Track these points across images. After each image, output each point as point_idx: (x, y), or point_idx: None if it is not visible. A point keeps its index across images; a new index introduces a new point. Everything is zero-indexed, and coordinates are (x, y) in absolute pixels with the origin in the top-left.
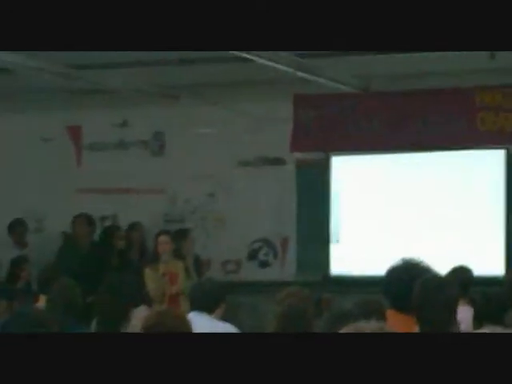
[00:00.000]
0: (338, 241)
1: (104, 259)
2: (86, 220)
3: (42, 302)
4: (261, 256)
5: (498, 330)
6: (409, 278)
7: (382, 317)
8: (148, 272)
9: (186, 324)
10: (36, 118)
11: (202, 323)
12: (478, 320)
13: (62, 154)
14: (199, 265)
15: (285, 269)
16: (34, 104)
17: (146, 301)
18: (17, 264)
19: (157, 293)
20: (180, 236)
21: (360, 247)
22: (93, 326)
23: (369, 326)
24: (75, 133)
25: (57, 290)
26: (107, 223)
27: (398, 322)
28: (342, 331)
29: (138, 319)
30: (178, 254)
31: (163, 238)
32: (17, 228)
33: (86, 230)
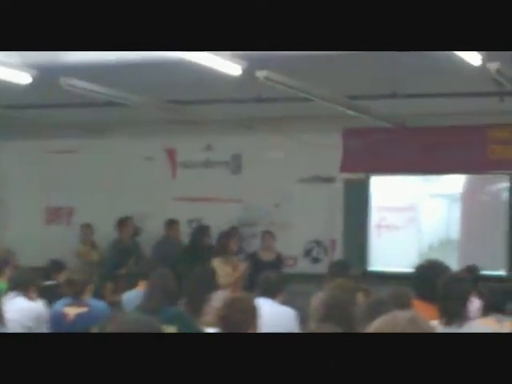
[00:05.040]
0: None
1: (194, 253)
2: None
3: (141, 287)
4: (314, 254)
5: (501, 317)
6: (433, 274)
7: (410, 306)
8: (218, 263)
9: (255, 306)
10: (141, 142)
11: (266, 306)
12: (485, 309)
13: (160, 170)
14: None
15: None
16: (139, 131)
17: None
18: (123, 255)
19: (225, 279)
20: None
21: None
22: (180, 306)
23: (403, 315)
24: (171, 153)
25: (156, 278)
26: (194, 225)
27: (423, 310)
28: (379, 320)
29: (217, 301)
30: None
31: (236, 237)
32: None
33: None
